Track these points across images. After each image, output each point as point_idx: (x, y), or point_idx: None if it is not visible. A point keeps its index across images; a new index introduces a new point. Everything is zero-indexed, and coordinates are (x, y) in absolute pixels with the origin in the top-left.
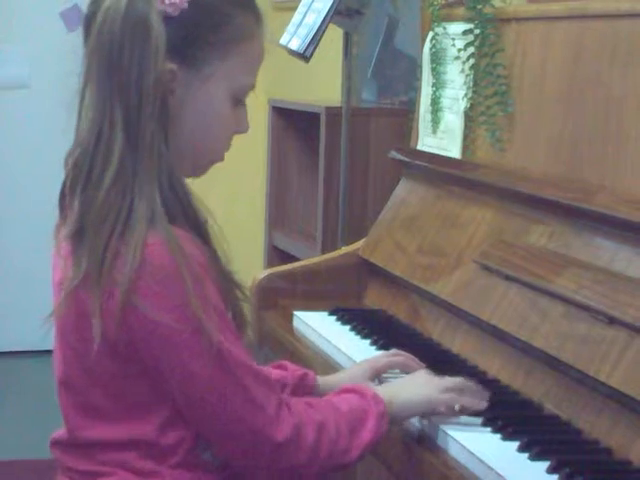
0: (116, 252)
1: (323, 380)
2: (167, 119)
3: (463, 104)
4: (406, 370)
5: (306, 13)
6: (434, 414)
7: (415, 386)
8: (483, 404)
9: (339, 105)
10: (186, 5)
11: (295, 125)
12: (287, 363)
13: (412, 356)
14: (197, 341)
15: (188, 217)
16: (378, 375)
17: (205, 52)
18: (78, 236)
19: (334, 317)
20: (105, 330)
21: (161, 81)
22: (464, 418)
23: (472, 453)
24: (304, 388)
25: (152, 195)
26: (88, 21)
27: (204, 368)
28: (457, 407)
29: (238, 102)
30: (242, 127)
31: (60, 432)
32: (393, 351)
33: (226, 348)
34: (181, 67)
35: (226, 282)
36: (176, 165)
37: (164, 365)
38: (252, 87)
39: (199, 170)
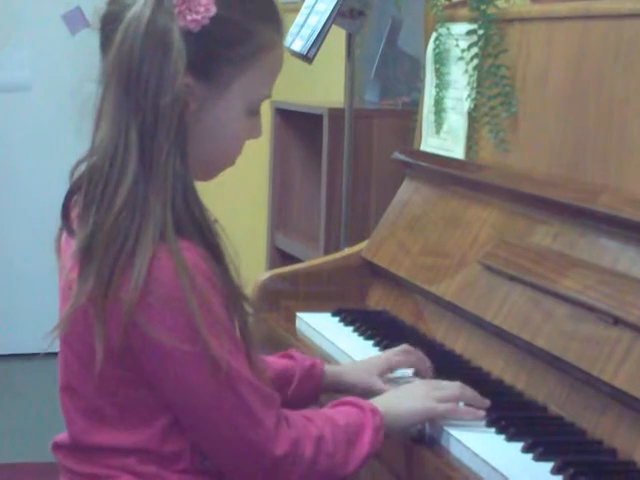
0: (123, 272)
1: (331, 370)
2: (185, 137)
3: (467, 105)
4: (415, 369)
5: (309, 14)
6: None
7: (413, 398)
8: (481, 413)
9: (342, 106)
10: (207, 21)
11: (298, 126)
12: (294, 352)
13: (422, 355)
14: (201, 360)
15: (201, 232)
16: (390, 371)
17: (223, 68)
18: (86, 254)
19: (337, 318)
20: (109, 343)
21: (179, 99)
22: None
23: (476, 454)
24: (312, 378)
25: (162, 215)
26: (106, 23)
27: (205, 383)
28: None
29: (253, 112)
30: (255, 133)
31: (62, 435)
32: (404, 346)
33: (228, 363)
34: (197, 82)
35: (234, 295)
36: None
37: (164, 379)
38: (269, 97)
39: (210, 176)
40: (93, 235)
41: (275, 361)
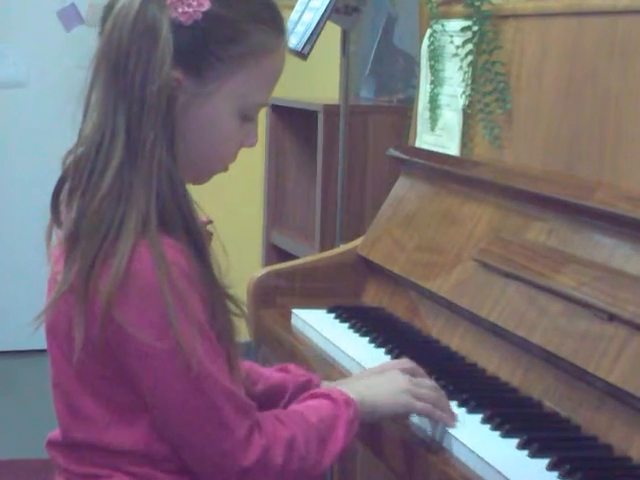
0: (104, 261)
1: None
2: (172, 127)
3: (461, 101)
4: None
5: (304, 11)
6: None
7: (393, 389)
8: (453, 423)
9: (337, 103)
10: (200, 16)
11: (293, 123)
12: (292, 366)
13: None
14: (173, 359)
15: (187, 226)
16: None
17: (212, 66)
18: (72, 241)
19: (333, 315)
20: (88, 334)
21: (165, 89)
22: (462, 416)
23: (472, 451)
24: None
25: (146, 205)
26: (104, 13)
27: (177, 385)
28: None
29: (247, 118)
30: (249, 141)
31: (55, 432)
32: (404, 360)
33: (202, 367)
34: (187, 76)
35: (216, 295)
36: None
37: (141, 376)
38: (264, 104)
39: (200, 179)
40: (78, 221)
41: (271, 374)
